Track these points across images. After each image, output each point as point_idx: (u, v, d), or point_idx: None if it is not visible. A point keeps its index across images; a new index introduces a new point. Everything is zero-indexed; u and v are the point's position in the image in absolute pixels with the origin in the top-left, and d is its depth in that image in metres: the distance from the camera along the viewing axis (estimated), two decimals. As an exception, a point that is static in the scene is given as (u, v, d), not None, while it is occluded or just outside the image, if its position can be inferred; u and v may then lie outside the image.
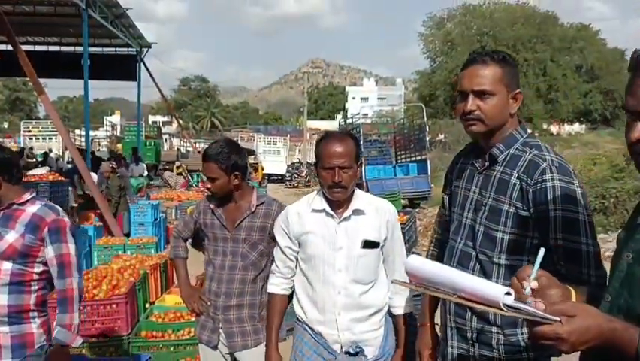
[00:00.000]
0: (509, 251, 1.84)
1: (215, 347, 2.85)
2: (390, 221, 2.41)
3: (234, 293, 2.79)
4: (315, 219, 2.39)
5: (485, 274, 1.87)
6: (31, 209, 2.46)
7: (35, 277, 2.47)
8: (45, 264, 2.48)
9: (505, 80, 1.84)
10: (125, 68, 21.34)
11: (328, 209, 2.37)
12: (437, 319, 2.23)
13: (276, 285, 2.55)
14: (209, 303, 2.84)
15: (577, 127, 46.35)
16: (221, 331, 2.82)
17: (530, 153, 1.84)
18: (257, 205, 2.79)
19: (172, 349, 4.22)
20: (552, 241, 1.74)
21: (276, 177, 29.15)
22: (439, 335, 2.12)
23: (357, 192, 2.43)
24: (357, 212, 2.37)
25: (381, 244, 2.39)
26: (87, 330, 4.25)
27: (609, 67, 38.82)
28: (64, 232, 2.50)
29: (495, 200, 1.86)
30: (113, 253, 7.55)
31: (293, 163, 30.87)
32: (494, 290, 1.25)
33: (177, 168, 21.47)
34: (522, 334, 1.86)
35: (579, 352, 1.33)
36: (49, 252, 2.46)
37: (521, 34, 36.79)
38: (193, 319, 4.53)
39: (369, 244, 2.35)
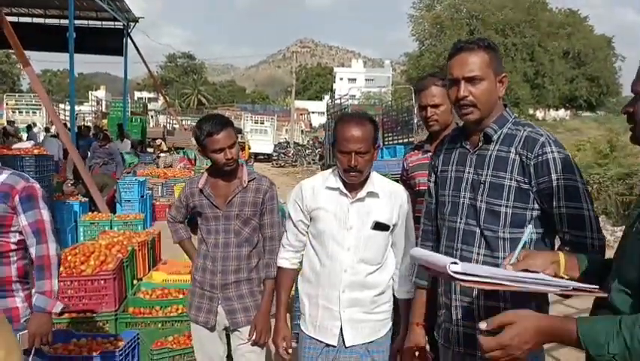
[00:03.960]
0: (512, 224, 1.91)
1: (212, 328, 2.87)
2: (403, 206, 2.44)
3: (231, 270, 2.81)
4: (329, 197, 2.42)
5: (491, 248, 1.93)
6: None
7: (13, 247, 2.44)
8: (20, 233, 2.44)
9: (492, 65, 1.93)
10: (112, 42, 20.94)
11: (343, 188, 2.39)
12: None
13: (286, 259, 2.60)
14: (205, 281, 2.86)
15: (562, 113, 46.72)
16: (219, 310, 2.84)
17: (525, 130, 1.94)
18: (248, 181, 2.81)
19: (160, 326, 4.23)
20: (556, 210, 1.84)
21: (262, 157, 29.09)
22: (440, 318, 2.13)
23: (373, 175, 2.44)
24: (371, 194, 2.39)
25: (391, 228, 2.42)
26: (74, 306, 4.24)
27: (595, 53, 39.12)
28: (36, 198, 2.45)
29: (495, 177, 1.93)
30: (99, 229, 7.52)
31: (280, 143, 30.79)
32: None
33: (158, 145, 21.37)
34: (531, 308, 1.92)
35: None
36: (22, 220, 2.42)
37: (510, 19, 36.82)
38: (181, 296, 4.58)
39: (379, 226, 2.37)
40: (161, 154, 18.81)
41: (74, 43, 12.82)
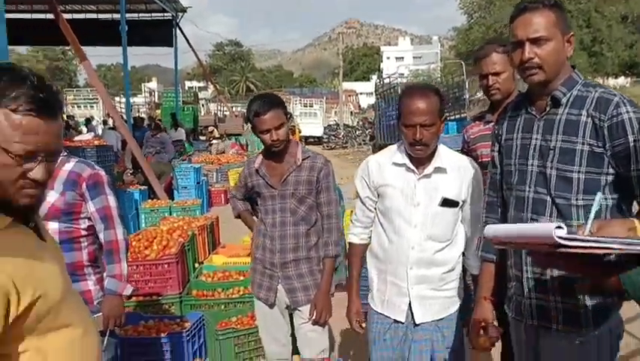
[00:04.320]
0: (586, 191, 1.83)
1: (272, 305, 2.90)
2: (473, 181, 2.38)
3: (289, 248, 2.83)
4: (396, 173, 2.39)
5: (563, 217, 1.85)
6: (67, 167, 2.48)
7: (83, 233, 2.51)
8: (90, 219, 2.52)
9: (559, 24, 1.84)
10: (161, 33, 21.34)
11: (409, 164, 2.35)
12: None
13: (355, 235, 2.59)
14: (265, 259, 2.89)
15: (622, 80, 44.62)
16: (279, 288, 2.86)
17: (596, 91, 1.84)
18: (302, 159, 2.81)
19: (222, 307, 4.32)
20: (634, 173, 1.75)
21: (312, 140, 29.15)
22: (511, 290, 2.07)
23: (441, 148, 2.39)
24: (438, 170, 2.34)
25: (460, 204, 2.37)
26: (141, 289, 4.38)
27: (657, 16, 36.97)
28: (102, 184, 2.52)
29: (565, 141, 1.85)
30: (159, 215, 7.73)
31: (329, 125, 30.74)
32: (544, 226, 1.28)
33: (210, 132, 21.69)
34: None
35: None
36: (90, 206, 2.49)
37: (564, -15, 35.31)
38: (242, 278, 4.65)
39: (447, 203, 2.33)
40: (214, 141, 19.12)
41: (126, 37, 13.14)
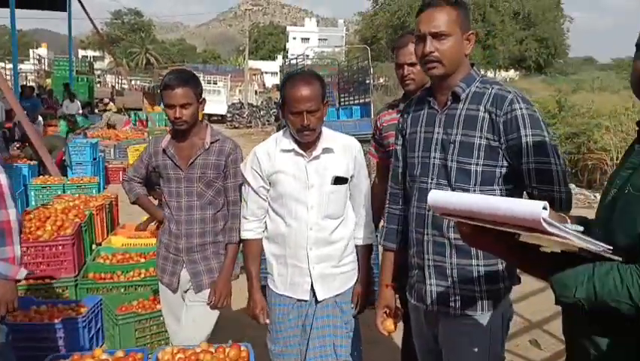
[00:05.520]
0: (483, 182, 1.95)
1: (175, 290, 2.85)
2: (358, 157, 2.49)
3: (196, 233, 2.77)
4: (285, 159, 2.43)
5: None
6: None
7: None
8: None
9: (459, 22, 1.94)
10: (54, -4, 19.90)
11: (298, 148, 2.41)
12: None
13: (250, 230, 2.57)
14: (170, 244, 2.82)
15: (512, 73, 47.60)
16: (182, 273, 2.81)
17: (493, 88, 1.95)
18: (211, 143, 2.74)
19: (122, 290, 4.18)
20: (524, 166, 1.89)
21: (216, 118, 28.58)
22: (413, 278, 2.17)
23: (325, 130, 2.47)
24: (326, 150, 2.42)
25: (349, 180, 2.47)
26: (32, 273, 4.13)
27: (545, 15, 39.71)
28: None
29: (465, 135, 1.95)
30: (52, 193, 7.28)
31: (234, 103, 30.22)
32: (531, 204, 1.20)
33: (105, 105, 20.63)
34: (502, 263, 2.00)
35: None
36: None
37: (463, -22, 36.88)
38: (143, 260, 4.51)
39: (339, 180, 2.43)
40: (106, 113, 18.15)
41: (14, -2, 12.10)
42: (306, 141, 2.38)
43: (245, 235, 2.59)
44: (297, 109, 2.29)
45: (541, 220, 1.16)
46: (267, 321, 2.55)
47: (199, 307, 2.79)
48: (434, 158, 2.02)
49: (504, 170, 1.94)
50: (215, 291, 2.76)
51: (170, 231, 2.82)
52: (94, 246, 4.98)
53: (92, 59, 40.48)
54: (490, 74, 43.74)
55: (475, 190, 1.95)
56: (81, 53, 61.44)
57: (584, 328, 1.41)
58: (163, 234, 2.88)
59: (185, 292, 2.85)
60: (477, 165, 1.94)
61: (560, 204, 1.86)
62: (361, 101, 16.48)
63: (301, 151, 2.40)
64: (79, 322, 3.57)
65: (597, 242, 1.25)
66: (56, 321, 3.54)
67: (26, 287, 4.08)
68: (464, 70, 2.00)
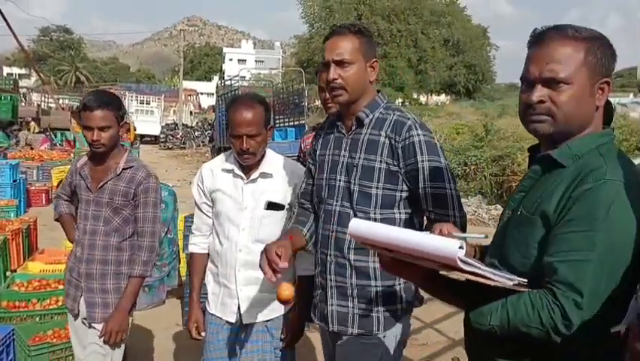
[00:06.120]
0: (383, 205, 2.00)
1: (76, 316, 2.72)
2: (299, 185, 2.43)
3: (97, 260, 2.64)
4: (225, 178, 2.46)
5: None
6: None
7: None
8: None
9: (362, 50, 2.00)
10: (-26, 11, 19.01)
11: (237, 170, 2.43)
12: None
13: (195, 244, 2.60)
14: (74, 268, 2.69)
15: (443, 98, 49.34)
16: (81, 300, 2.67)
17: (394, 114, 2.02)
18: (123, 168, 2.63)
19: (38, 319, 3.96)
20: (422, 190, 1.96)
21: (149, 138, 27.96)
22: (316, 298, 2.20)
23: (269, 154, 2.48)
24: (264, 175, 2.43)
25: (286, 207, 2.45)
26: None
27: (472, 42, 41.61)
28: None
29: (367, 159, 2.01)
30: (-36, 217, 6.86)
31: (167, 124, 29.69)
32: (447, 244, 1.24)
33: (27, 124, 19.82)
34: (399, 285, 2.05)
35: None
36: None
37: (396, 5, 38.11)
38: (61, 287, 4.29)
39: (273, 206, 2.42)
40: (23, 131, 17.39)
41: None
42: (246, 164, 2.40)
43: (190, 248, 2.63)
44: (238, 132, 2.32)
45: (457, 260, 1.21)
46: (200, 336, 2.52)
47: (92, 344, 2.63)
48: (339, 180, 2.08)
49: (404, 194, 2.01)
50: (106, 326, 2.57)
51: (75, 254, 2.71)
52: (8, 273, 4.72)
53: (17, 77, 38.82)
54: (422, 98, 45.20)
55: (375, 212, 1.99)
56: (6, 70, 58.85)
57: (487, 350, 1.45)
58: (70, 257, 2.77)
59: (85, 319, 2.71)
60: (377, 188, 1.99)
61: None
62: (296, 122, 16.62)
63: (240, 173, 2.42)
64: (-13, 354, 3.34)
65: (511, 276, 1.29)
66: (-38, 354, 3.30)
67: None
68: (369, 96, 2.06)
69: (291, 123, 16.80)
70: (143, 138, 26.89)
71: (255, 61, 78.67)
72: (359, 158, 2.02)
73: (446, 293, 1.50)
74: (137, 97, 32.57)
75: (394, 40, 37.89)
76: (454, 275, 1.33)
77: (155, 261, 2.76)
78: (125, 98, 30.98)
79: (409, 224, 2.03)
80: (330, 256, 2.09)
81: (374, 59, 2.05)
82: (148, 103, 31.90)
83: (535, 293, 1.29)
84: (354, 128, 2.07)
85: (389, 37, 37.64)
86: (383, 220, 1.97)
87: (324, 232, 2.12)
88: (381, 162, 1.98)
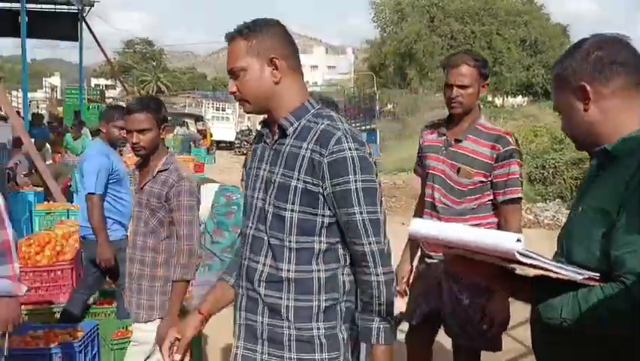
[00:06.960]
0: (300, 232, 1.65)
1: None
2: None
3: (137, 260, 2.74)
4: None
5: (275, 260, 1.68)
6: None
7: None
8: None
9: (253, 51, 1.66)
10: (66, 26, 20.23)
11: None
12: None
13: None
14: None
15: (519, 100, 47.70)
16: (131, 300, 2.80)
17: (323, 123, 1.66)
18: (159, 171, 2.70)
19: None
20: (358, 216, 1.61)
21: (224, 144, 28.78)
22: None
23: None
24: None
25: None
26: (29, 298, 4.14)
27: (551, 41, 40.02)
28: None
29: (283, 176, 1.67)
30: (55, 218, 7.31)
31: (242, 130, 30.50)
32: (505, 236, 1.23)
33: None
34: (318, 329, 1.68)
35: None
36: None
37: (470, 6, 37.30)
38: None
39: None
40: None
41: (26, 28, 12.38)
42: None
43: None
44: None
45: (515, 253, 1.18)
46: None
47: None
48: (257, 198, 1.74)
49: (327, 220, 1.65)
50: (157, 333, 2.60)
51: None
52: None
53: (103, 88, 41.12)
54: (498, 100, 43.96)
55: (290, 240, 1.65)
56: (94, 81, 62.39)
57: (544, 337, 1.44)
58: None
59: None
60: (292, 211, 1.64)
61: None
62: (368, 127, 16.65)
63: None
64: (75, 347, 3.55)
65: (580, 270, 1.27)
66: (52, 346, 3.52)
67: (25, 311, 4.09)
68: (291, 101, 1.70)
69: (363, 128, 16.85)
70: (219, 144, 27.72)
71: (327, 67, 79.25)
72: (277, 173, 1.67)
73: (523, 292, 1.45)
74: (213, 104, 33.67)
75: (468, 42, 37.11)
76: (520, 271, 1.30)
77: (198, 263, 2.74)
78: (202, 106, 32.13)
79: (332, 257, 1.68)
80: (242, 288, 1.77)
81: (272, 55, 1.66)
82: (223, 110, 32.92)
83: (607, 285, 1.26)
84: (277, 138, 1.72)
85: (462, 40, 36.88)
86: (298, 250, 1.65)
87: (241, 260, 1.79)
88: (298, 179, 1.62)
